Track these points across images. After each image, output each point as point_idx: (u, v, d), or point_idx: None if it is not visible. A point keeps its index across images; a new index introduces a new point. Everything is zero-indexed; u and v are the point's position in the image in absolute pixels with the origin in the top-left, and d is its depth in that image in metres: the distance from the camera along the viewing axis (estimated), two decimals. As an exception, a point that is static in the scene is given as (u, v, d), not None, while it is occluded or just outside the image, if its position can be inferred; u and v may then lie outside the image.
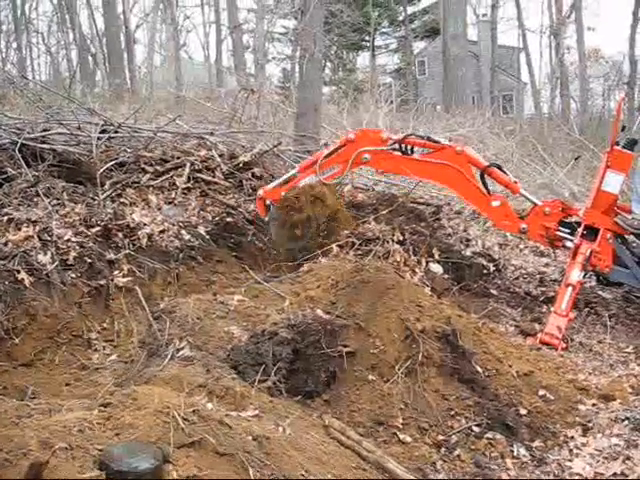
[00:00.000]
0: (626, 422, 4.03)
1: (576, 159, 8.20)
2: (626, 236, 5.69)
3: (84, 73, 24.71)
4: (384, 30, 43.16)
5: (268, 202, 5.95)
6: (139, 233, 5.47)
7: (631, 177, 6.05)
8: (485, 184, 5.90)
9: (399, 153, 5.94)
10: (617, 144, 5.59)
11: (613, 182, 5.61)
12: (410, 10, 41.25)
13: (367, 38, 38.80)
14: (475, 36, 37.03)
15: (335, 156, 5.98)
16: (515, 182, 6.01)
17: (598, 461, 3.67)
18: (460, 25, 17.74)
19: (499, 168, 5.98)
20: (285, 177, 6.13)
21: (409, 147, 5.98)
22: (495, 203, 5.87)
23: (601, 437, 3.87)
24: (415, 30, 41.67)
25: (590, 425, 3.97)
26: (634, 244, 5.71)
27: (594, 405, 4.25)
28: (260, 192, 6.00)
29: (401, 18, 40.81)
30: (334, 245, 5.74)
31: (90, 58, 27.79)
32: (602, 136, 14.24)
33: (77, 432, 2.44)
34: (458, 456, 3.52)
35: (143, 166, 6.57)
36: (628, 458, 3.67)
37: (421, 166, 5.92)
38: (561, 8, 30.12)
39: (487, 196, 5.89)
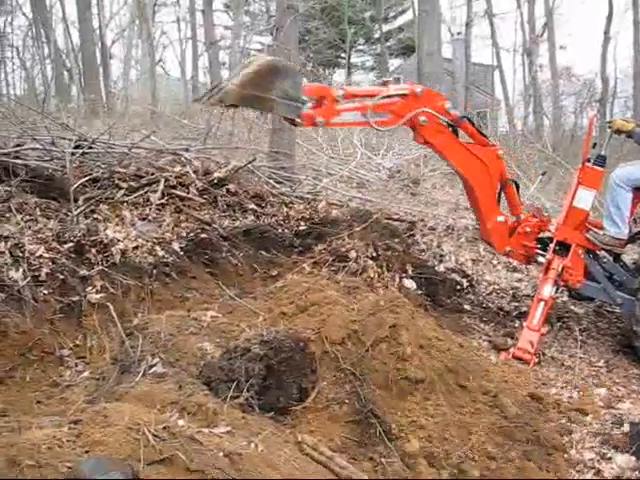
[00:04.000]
0: (597, 436, 4.08)
1: (543, 174, 8.27)
2: (597, 252, 5.76)
3: (59, 88, 24.56)
4: (360, 47, 43.55)
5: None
6: (112, 249, 5.43)
7: (603, 193, 6.14)
8: (500, 196, 5.77)
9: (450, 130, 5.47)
10: (589, 161, 5.68)
11: (585, 198, 5.69)
12: (386, 28, 41.66)
13: (343, 55, 39.09)
14: (450, 54, 37.39)
15: (391, 103, 5.22)
16: (521, 204, 5.95)
17: (570, 474, 3.71)
18: (435, 43, 17.89)
19: (517, 186, 5.86)
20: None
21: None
22: (500, 218, 5.76)
23: (573, 451, 3.91)
24: (390, 48, 42.05)
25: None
26: (605, 259, 5.78)
27: (566, 419, 4.30)
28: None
29: (377, 36, 41.13)
30: (307, 261, 5.76)
31: (65, 73, 27.66)
32: (574, 152, 14.42)
33: (46, 449, 2.41)
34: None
35: (117, 182, 6.52)
36: (599, 472, 3.72)
37: (462, 153, 5.48)
38: (534, 27, 30.57)
39: (497, 208, 5.77)
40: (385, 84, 5.43)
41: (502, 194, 5.79)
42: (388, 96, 5.21)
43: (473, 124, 5.59)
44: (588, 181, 5.65)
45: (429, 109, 5.25)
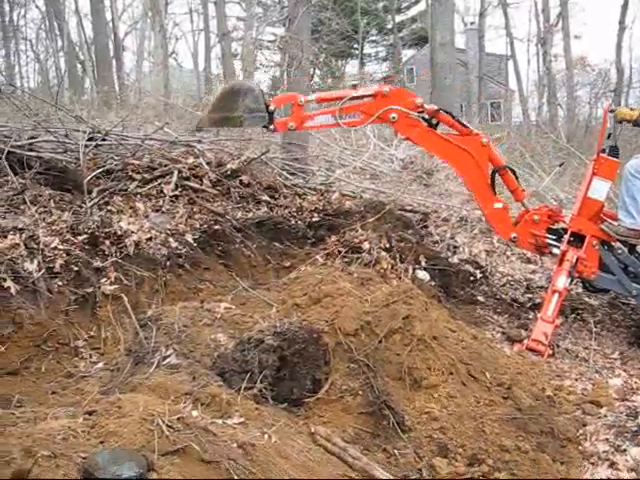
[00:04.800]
0: (612, 428, 4.06)
1: (560, 165, 8.19)
2: (612, 243, 5.72)
3: (72, 80, 24.63)
4: (373, 38, 43.34)
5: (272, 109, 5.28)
6: (126, 241, 5.45)
7: (618, 184, 6.08)
8: (493, 183, 5.77)
9: (425, 124, 5.63)
10: (604, 151, 5.63)
11: (599, 189, 5.64)
12: (399, 19, 41.45)
13: (356, 46, 38.90)
14: (463, 44, 37.20)
15: (361, 104, 5.56)
16: (523, 190, 5.91)
17: (584, 466, 3.69)
18: (448, 33, 17.69)
19: (513, 172, 5.85)
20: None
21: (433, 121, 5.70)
22: (497, 205, 5.72)
23: (587, 443, 3.89)
24: (403, 38, 41.83)
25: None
26: (620, 251, 5.73)
27: (580, 411, 4.28)
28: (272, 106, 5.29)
29: (390, 26, 40.94)
30: (320, 253, 5.76)
31: (78, 65, 27.73)
32: (589, 143, 14.33)
33: (61, 440, 2.42)
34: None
35: (130, 174, 6.54)
36: (613, 464, 3.70)
37: (442, 144, 5.63)
38: (548, 17, 30.35)
39: (493, 196, 5.76)
40: (355, 87, 5.70)
41: (501, 181, 5.81)
42: (358, 98, 5.54)
43: (452, 115, 5.72)
44: (603, 172, 5.60)
45: (396, 106, 5.48)
